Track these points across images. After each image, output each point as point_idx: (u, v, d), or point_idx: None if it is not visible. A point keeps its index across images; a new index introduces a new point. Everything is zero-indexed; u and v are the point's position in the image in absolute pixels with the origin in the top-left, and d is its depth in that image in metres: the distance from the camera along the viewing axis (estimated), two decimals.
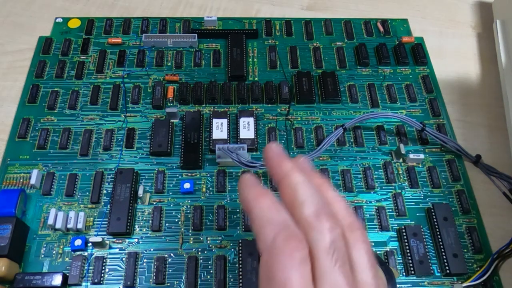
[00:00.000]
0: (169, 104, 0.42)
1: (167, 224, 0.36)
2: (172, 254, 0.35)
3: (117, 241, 0.35)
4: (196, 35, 0.46)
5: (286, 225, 0.22)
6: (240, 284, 0.33)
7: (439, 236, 0.35)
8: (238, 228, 0.36)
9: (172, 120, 0.41)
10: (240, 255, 0.34)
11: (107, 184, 0.38)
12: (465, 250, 0.36)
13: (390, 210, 0.37)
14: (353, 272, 0.22)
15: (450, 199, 0.38)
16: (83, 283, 0.33)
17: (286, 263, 0.20)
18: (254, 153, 0.40)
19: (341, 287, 0.20)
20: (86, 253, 0.34)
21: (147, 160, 0.39)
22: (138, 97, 0.43)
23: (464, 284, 0.34)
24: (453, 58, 0.48)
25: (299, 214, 0.22)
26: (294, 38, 0.48)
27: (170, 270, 0.34)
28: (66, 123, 0.41)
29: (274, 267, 0.21)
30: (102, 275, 0.34)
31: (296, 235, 0.21)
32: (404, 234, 0.35)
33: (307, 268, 0.21)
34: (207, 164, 0.39)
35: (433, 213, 0.36)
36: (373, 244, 0.36)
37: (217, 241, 0.35)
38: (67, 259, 0.34)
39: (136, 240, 0.35)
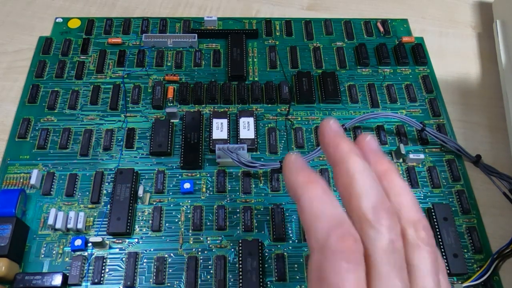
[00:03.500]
0: (169, 104, 0.42)
1: (167, 224, 0.36)
2: (172, 254, 0.35)
3: (117, 241, 0.35)
4: (196, 35, 0.46)
5: (341, 221, 0.19)
6: (240, 284, 0.33)
7: (439, 236, 0.35)
8: (238, 228, 0.36)
9: (172, 120, 0.41)
10: (240, 255, 0.34)
11: (107, 184, 0.38)
12: (465, 250, 0.36)
13: None
14: (412, 277, 0.20)
15: (450, 199, 0.38)
16: (83, 283, 0.33)
17: (341, 265, 0.18)
18: (254, 153, 0.40)
19: None
20: (86, 253, 0.34)
21: (147, 160, 0.39)
22: (138, 97, 0.43)
23: (464, 284, 0.34)
24: (453, 58, 0.48)
25: (355, 207, 0.20)
26: (294, 38, 0.48)
27: (170, 270, 0.34)
28: (66, 123, 0.41)
29: (327, 269, 0.19)
30: (102, 275, 0.34)
31: (352, 234, 0.19)
32: None
33: (362, 272, 0.19)
34: (207, 164, 0.39)
35: (433, 213, 0.36)
36: None
37: (217, 241, 0.35)
38: (67, 259, 0.34)
39: (136, 240, 0.35)
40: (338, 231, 0.19)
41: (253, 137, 0.40)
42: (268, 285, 0.34)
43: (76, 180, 0.38)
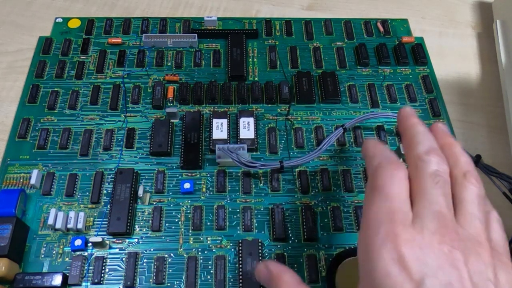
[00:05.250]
0: (169, 104, 0.42)
1: (167, 224, 0.36)
2: (172, 254, 0.35)
3: (117, 241, 0.35)
4: (196, 35, 0.46)
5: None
6: (240, 284, 0.33)
7: None
8: (238, 228, 0.36)
9: (172, 120, 0.41)
10: (240, 255, 0.34)
11: (107, 184, 0.38)
12: None
13: None
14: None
15: None
16: (83, 283, 0.33)
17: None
18: (254, 153, 0.40)
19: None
20: (86, 253, 0.34)
21: (147, 160, 0.39)
22: (138, 97, 0.43)
23: None
24: (453, 58, 0.48)
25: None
26: (294, 38, 0.48)
27: (170, 270, 0.34)
28: (66, 123, 0.41)
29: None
30: (102, 275, 0.34)
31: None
32: None
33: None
34: (207, 164, 0.39)
35: None
36: None
37: (217, 241, 0.35)
38: (67, 259, 0.34)
39: (136, 240, 0.35)
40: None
41: (253, 137, 0.40)
42: None
43: (76, 180, 0.38)
